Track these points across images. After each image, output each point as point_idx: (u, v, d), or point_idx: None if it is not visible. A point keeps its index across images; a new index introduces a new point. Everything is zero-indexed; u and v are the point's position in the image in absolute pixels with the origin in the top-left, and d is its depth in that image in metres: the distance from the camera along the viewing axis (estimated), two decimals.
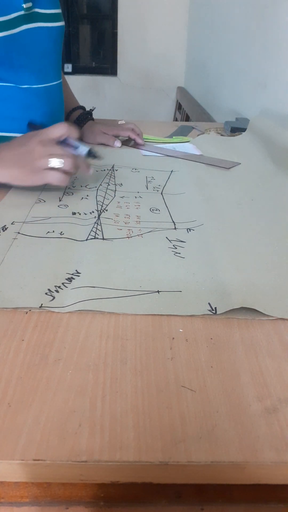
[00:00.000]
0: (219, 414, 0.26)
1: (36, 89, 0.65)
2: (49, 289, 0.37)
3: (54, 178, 0.52)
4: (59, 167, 0.52)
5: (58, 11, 0.68)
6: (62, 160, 0.51)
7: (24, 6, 0.60)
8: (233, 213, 0.56)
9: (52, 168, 0.52)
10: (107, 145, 0.86)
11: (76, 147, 0.56)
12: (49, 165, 0.51)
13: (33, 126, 0.59)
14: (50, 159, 0.51)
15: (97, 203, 0.56)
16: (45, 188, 0.60)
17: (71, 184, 0.63)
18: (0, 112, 0.64)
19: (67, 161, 0.52)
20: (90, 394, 0.27)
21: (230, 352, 0.32)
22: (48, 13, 0.65)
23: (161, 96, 2.77)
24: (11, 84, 0.63)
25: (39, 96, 0.66)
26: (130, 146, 0.87)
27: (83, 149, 0.57)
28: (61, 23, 0.69)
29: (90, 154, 0.58)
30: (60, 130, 0.53)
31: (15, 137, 0.57)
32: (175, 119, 2.58)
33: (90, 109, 0.92)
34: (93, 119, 0.91)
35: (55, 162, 0.51)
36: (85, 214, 0.53)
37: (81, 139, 0.88)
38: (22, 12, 0.60)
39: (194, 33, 2.32)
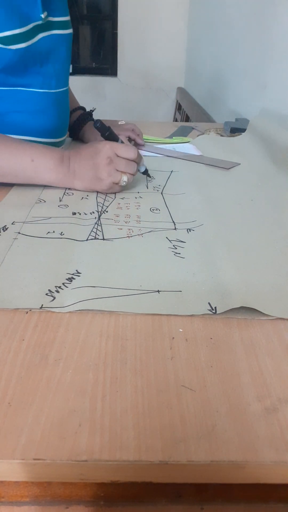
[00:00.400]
0: (219, 414, 0.26)
1: (48, 94, 0.67)
2: (49, 290, 0.37)
3: (116, 190, 0.60)
4: (124, 185, 0.59)
5: (68, 18, 0.70)
6: (127, 179, 0.58)
7: (43, 16, 0.62)
8: (233, 213, 0.56)
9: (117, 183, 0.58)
10: None
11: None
12: (119, 183, 0.58)
13: (101, 126, 0.61)
14: (121, 179, 0.58)
15: (97, 204, 0.56)
16: (45, 188, 0.60)
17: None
18: (12, 115, 0.65)
19: (130, 177, 0.59)
20: (90, 394, 0.27)
21: (230, 352, 0.32)
22: (61, 21, 0.68)
23: (161, 97, 2.77)
24: (25, 89, 0.65)
25: (50, 101, 0.68)
26: None
27: (142, 168, 0.66)
28: (71, 30, 0.71)
29: (145, 172, 0.67)
30: (131, 155, 0.58)
31: (28, 140, 0.59)
32: (175, 120, 2.58)
33: (91, 110, 0.92)
34: (93, 120, 0.91)
35: (124, 181, 0.58)
36: (85, 214, 0.53)
37: (81, 140, 0.88)
38: (39, 22, 0.62)
39: (194, 33, 2.32)
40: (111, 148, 0.57)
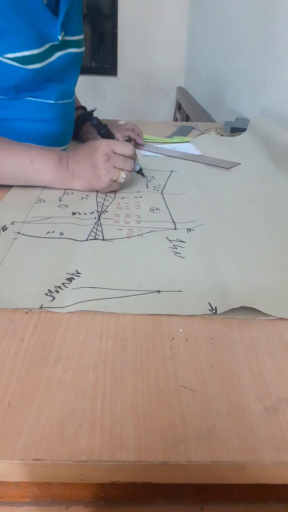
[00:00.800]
0: (219, 414, 0.26)
1: (57, 105, 0.69)
2: (49, 290, 0.37)
3: (115, 188, 0.60)
4: (122, 182, 0.59)
5: (83, 37, 0.73)
6: (125, 176, 0.58)
7: (60, 38, 0.64)
8: (233, 213, 0.56)
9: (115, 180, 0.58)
10: None
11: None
12: (117, 180, 0.58)
13: (98, 124, 0.62)
14: (118, 176, 0.57)
15: (97, 204, 0.56)
16: (45, 187, 0.60)
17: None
18: (19, 122, 0.66)
19: (128, 174, 0.59)
20: (90, 394, 0.27)
21: (230, 352, 0.32)
22: (76, 40, 0.70)
23: (161, 96, 2.77)
24: (34, 99, 0.66)
25: (59, 111, 0.70)
26: None
27: (137, 167, 0.64)
28: (84, 48, 0.74)
29: (140, 171, 0.65)
30: (128, 151, 0.58)
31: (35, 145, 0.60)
32: (175, 119, 2.58)
33: (91, 110, 0.92)
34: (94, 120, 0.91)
35: (121, 178, 0.58)
36: (85, 214, 0.53)
37: (81, 139, 0.88)
38: (56, 42, 0.64)
39: (194, 33, 2.32)
40: (108, 145, 0.57)
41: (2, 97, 0.63)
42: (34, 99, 0.66)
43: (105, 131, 0.63)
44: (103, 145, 0.57)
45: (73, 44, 0.69)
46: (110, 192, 0.61)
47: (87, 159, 0.58)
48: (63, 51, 0.67)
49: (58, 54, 0.65)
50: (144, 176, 0.67)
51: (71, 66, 0.71)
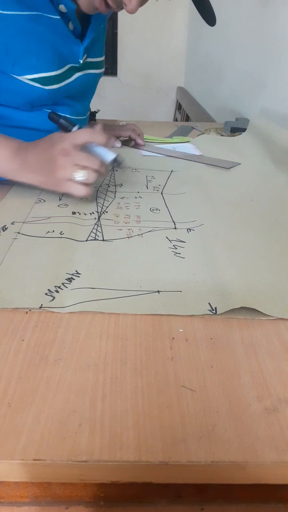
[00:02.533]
0: (219, 414, 0.26)
1: (73, 120, 0.69)
2: (49, 290, 0.37)
3: (77, 191, 0.51)
4: (82, 180, 0.50)
5: (103, 58, 0.74)
6: (85, 174, 0.50)
7: (81, 61, 0.66)
8: (233, 213, 0.56)
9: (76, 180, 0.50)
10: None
11: (100, 154, 0.54)
12: (72, 178, 0.50)
13: (55, 118, 0.61)
14: (74, 173, 0.50)
15: (97, 205, 0.56)
16: None
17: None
18: (30, 132, 0.67)
19: (90, 174, 0.50)
20: (90, 394, 0.27)
21: (230, 352, 0.32)
22: (96, 61, 0.71)
23: (161, 96, 2.77)
24: (48, 111, 0.67)
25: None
26: (131, 147, 0.87)
27: (109, 156, 0.54)
28: (103, 69, 0.75)
29: (115, 161, 0.55)
30: (84, 136, 0.51)
31: None
32: (175, 119, 2.58)
33: (94, 111, 0.93)
34: (95, 120, 0.91)
35: (78, 177, 0.50)
36: (85, 214, 0.53)
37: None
38: (77, 64, 0.66)
39: (194, 33, 2.32)
40: (67, 139, 0.50)
41: (17, 108, 0.64)
42: (49, 111, 0.66)
43: (63, 122, 0.58)
44: (64, 137, 0.51)
45: (93, 65, 0.70)
46: (108, 186, 0.59)
47: (44, 152, 0.51)
48: (82, 72, 0.68)
49: (77, 75, 0.67)
50: (122, 165, 0.57)
51: (90, 86, 0.72)
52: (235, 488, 0.27)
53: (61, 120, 0.59)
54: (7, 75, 0.59)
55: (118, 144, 0.86)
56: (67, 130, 0.59)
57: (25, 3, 0.56)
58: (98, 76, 0.74)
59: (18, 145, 0.53)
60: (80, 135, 0.51)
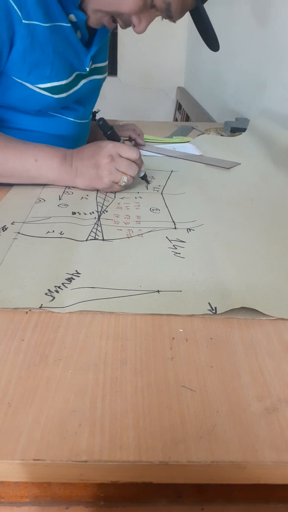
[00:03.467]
0: (219, 414, 0.26)
1: (76, 123, 0.71)
2: (49, 289, 0.37)
3: (116, 189, 0.60)
4: (123, 185, 0.59)
5: (107, 63, 0.75)
6: (127, 181, 0.58)
7: (88, 69, 0.66)
8: (233, 213, 0.56)
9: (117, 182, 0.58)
10: None
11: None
12: (117, 182, 0.58)
13: (105, 128, 0.62)
14: (122, 178, 0.57)
15: (97, 205, 0.56)
16: (45, 187, 0.60)
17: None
18: (35, 134, 0.68)
19: (129, 179, 0.59)
20: (90, 394, 0.27)
21: (230, 352, 0.32)
22: (100, 67, 0.72)
23: (161, 96, 2.77)
24: (57, 115, 0.68)
25: (76, 129, 0.72)
26: None
27: (142, 173, 0.63)
28: (106, 74, 0.76)
29: (144, 177, 0.64)
30: (133, 155, 0.57)
31: None
32: (175, 119, 2.58)
33: (94, 111, 0.93)
34: (95, 120, 0.91)
35: (123, 182, 0.58)
36: (85, 214, 0.53)
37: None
38: (84, 72, 0.66)
39: (194, 33, 2.32)
40: (114, 147, 0.57)
41: (24, 112, 0.65)
42: (56, 114, 0.67)
43: (111, 133, 0.62)
44: (109, 146, 0.57)
45: (98, 71, 0.71)
46: (111, 192, 0.61)
47: (91, 158, 0.58)
48: (88, 79, 0.69)
49: (83, 82, 0.68)
50: (148, 182, 0.66)
51: (94, 90, 0.73)
52: (235, 488, 0.27)
53: (109, 131, 0.62)
54: (20, 83, 0.59)
55: None
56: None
57: (49, 14, 0.56)
58: (102, 81, 0.75)
59: (64, 153, 0.59)
60: (129, 153, 0.57)
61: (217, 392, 0.28)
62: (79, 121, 0.71)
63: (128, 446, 0.24)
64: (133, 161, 0.58)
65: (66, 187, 0.61)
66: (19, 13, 0.53)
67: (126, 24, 0.60)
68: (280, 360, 0.31)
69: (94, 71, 0.70)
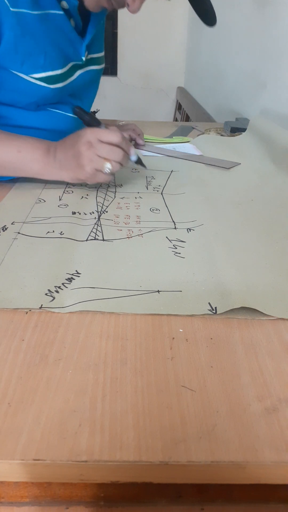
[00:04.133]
0: (219, 414, 0.26)
1: (75, 118, 0.69)
2: (49, 290, 0.37)
3: (102, 179, 0.56)
4: (107, 172, 0.54)
5: (103, 54, 0.74)
6: (111, 167, 0.54)
7: (84, 58, 0.65)
8: (233, 213, 0.56)
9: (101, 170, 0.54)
10: None
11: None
12: (100, 170, 0.54)
13: (81, 113, 0.61)
14: (103, 165, 0.53)
15: (97, 204, 0.56)
16: (45, 187, 0.60)
17: (71, 184, 0.63)
18: (37, 132, 0.67)
19: (115, 165, 0.54)
20: (90, 394, 0.27)
21: (230, 352, 0.32)
22: (97, 57, 0.71)
23: (161, 96, 2.77)
24: (55, 110, 0.67)
25: (74, 124, 0.70)
26: None
27: (134, 157, 0.59)
28: (103, 65, 0.74)
29: (138, 162, 0.60)
30: (114, 139, 0.53)
31: None
32: (175, 119, 2.58)
33: (93, 111, 0.93)
34: None
35: (107, 169, 0.54)
36: (85, 214, 0.53)
37: None
38: (80, 62, 0.65)
39: (194, 33, 2.32)
40: (92, 133, 0.53)
41: (22, 108, 0.64)
42: (53, 109, 0.66)
43: (89, 119, 0.60)
44: (87, 132, 0.54)
45: (94, 61, 0.70)
46: (108, 186, 0.60)
47: (71, 148, 0.55)
48: (84, 69, 0.68)
49: (79, 72, 0.67)
50: (145, 167, 0.62)
51: (91, 82, 0.72)
52: (235, 488, 0.27)
53: (87, 117, 0.60)
54: (14, 74, 0.59)
55: None
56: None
57: (38, 2, 0.55)
58: (99, 72, 0.73)
59: (47, 145, 0.57)
60: (110, 136, 0.53)
61: (217, 392, 0.28)
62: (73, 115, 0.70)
63: (128, 446, 0.24)
64: (116, 145, 0.54)
65: (65, 187, 0.61)
66: (6, 1, 0.52)
67: (120, 4, 0.59)
68: (280, 360, 0.31)
69: (90, 62, 0.69)
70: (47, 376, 0.29)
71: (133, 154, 0.58)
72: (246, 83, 1.32)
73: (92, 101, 0.76)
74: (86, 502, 0.27)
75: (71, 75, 0.65)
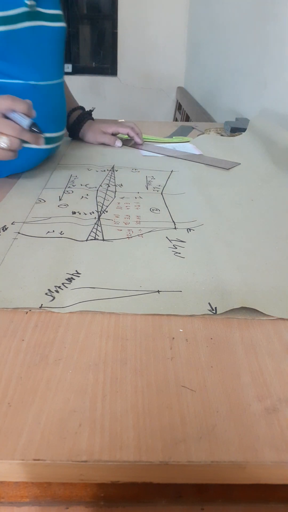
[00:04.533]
0: (219, 414, 0.26)
1: (35, 86, 0.64)
2: (49, 289, 0.37)
3: (2, 156, 0.52)
4: (5, 147, 0.51)
5: (60, 12, 0.68)
6: (7, 141, 0.51)
7: (28, 3, 0.60)
8: (233, 213, 0.56)
9: None
10: (108, 145, 0.86)
11: (17, 121, 0.53)
12: None
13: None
14: None
15: (97, 204, 0.56)
16: (45, 187, 0.60)
17: (71, 183, 0.63)
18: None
19: (13, 140, 0.51)
20: (90, 394, 0.27)
21: (230, 352, 0.32)
22: (50, 13, 0.66)
23: (161, 96, 2.77)
24: (17, 81, 0.63)
25: (41, 93, 0.66)
26: (130, 146, 0.87)
27: (25, 123, 0.53)
28: (62, 24, 0.69)
29: (34, 126, 0.54)
30: (3, 103, 0.50)
31: None
32: (175, 119, 2.58)
33: (90, 110, 0.93)
34: (92, 119, 0.91)
35: (3, 143, 0.51)
36: (85, 214, 0.53)
37: (81, 139, 0.88)
38: (24, 9, 0.60)
39: (194, 33, 2.32)
40: None
41: None
42: (8, 80, 0.62)
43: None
44: None
45: (46, 17, 0.65)
46: (108, 186, 0.59)
47: None
48: (33, 22, 0.62)
49: (27, 24, 0.61)
50: (40, 132, 0.54)
51: (45, 41, 0.66)
52: (235, 488, 0.27)
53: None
54: None
55: (119, 143, 0.86)
56: None
57: None
58: (56, 31, 0.67)
59: None
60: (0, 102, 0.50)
61: (217, 392, 0.28)
62: (43, 83, 0.65)
63: (128, 446, 0.24)
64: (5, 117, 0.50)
65: (65, 186, 0.61)
66: None
67: None
68: (280, 360, 0.31)
69: (41, 16, 0.63)
70: (47, 376, 0.29)
71: (27, 119, 0.53)
72: (246, 83, 1.32)
73: (57, 66, 0.70)
74: (86, 502, 0.27)
75: (16, 21, 0.59)
